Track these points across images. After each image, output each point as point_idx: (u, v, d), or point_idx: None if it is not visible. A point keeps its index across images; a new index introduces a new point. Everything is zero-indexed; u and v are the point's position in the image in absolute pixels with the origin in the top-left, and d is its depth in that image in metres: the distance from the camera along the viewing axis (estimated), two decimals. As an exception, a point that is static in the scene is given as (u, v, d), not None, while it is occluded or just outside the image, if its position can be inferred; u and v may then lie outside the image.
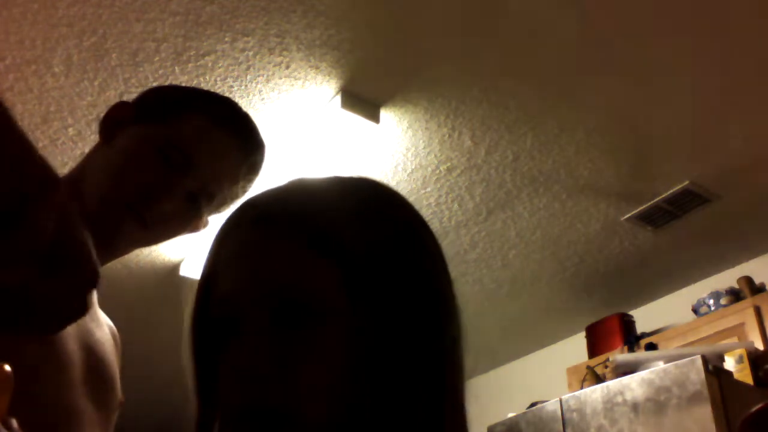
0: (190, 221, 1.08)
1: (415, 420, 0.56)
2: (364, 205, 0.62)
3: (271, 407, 0.55)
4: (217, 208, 1.11)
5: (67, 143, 2.69)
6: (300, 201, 0.61)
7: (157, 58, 2.37)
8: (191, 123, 1.05)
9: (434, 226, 3.52)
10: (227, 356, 0.58)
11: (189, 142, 1.03)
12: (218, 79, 2.46)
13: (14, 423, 0.55)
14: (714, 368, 2.65)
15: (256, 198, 0.62)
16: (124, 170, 1.02)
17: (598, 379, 3.23)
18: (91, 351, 1.02)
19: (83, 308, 0.55)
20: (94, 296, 1.10)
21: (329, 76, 2.46)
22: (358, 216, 0.60)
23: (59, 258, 0.49)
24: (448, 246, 3.39)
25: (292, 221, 0.58)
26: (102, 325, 1.09)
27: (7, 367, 0.54)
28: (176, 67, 2.41)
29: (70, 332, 0.98)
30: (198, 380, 0.62)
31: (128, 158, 1.03)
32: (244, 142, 1.08)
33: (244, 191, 1.11)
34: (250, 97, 2.53)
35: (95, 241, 1.01)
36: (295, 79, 2.47)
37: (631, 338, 3.60)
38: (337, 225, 0.59)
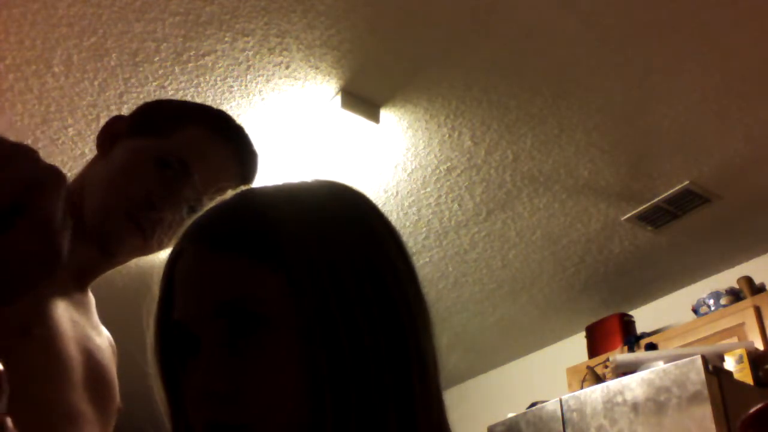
0: None
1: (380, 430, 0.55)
2: (314, 209, 0.61)
3: (230, 426, 0.55)
4: None
5: (67, 143, 2.69)
6: (240, 213, 0.60)
7: (157, 58, 2.37)
8: (188, 134, 1.06)
9: (434, 226, 3.54)
10: (188, 375, 0.57)
11: (186, 152, 1.04)
12: (218, 79, 2.46)
13: (9, 422, 0.55)
14: (714, 368, 2.65)
15: (199, 217, 0.62)
16: (122, 180, 1.03)
17: (598, 379, 3.23)
18: (91, 356, 1.02)
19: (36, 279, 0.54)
20: (93, 305, 1.11)
21: (329, 76, 2.46)
22: (305, 220, 0.59)
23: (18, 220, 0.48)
24: (448, 246, 3.39)
25: (233, 234, 0.58)
26: (101, 333, 1.10)
27: None
28: (176, 67, 2.41)
29: (71, 336, 0.99)
30: (168, 404, 0.61)
31: (126, 168, 1.04)
32: (239, 153, 1.09)
33: None
34: (250, 97, 2.53)
35: (96, 253, 1.02)
36: (295, 79, 2.47)
37: (631, 338, 3.60)
38: (280, 231, 0.58)
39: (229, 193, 0.63)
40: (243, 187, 0.64)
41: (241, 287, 0.56)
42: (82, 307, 1.06)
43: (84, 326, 1.04)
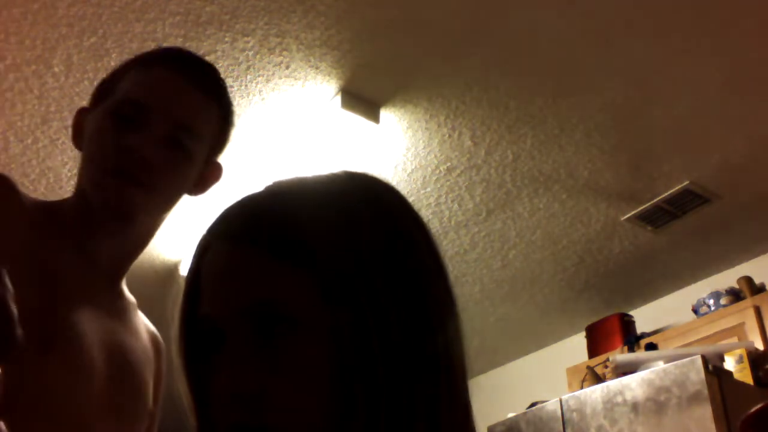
0: (188, 165, 1.06)
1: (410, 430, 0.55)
2: (343, 208, 0.60)
3: (257, 428, 0.54)
4: (215, 146, 1.11)
5: (67, 143, 2.69)
6: (271, 211, 0.59)
7: (157, 58, 2.37)
8: (129, 79, 1.06)
9: (434, 226, 3.53)
10: (214, 373, 0.57)
11: (133, 91, 1.04)
12: (218, 79, 2.46)
13: (1, 425, 0.55)
14: (714, 368, 2.65)
15: (229, 210, 0.61)
16: (94, 149, 1.04)
17: (598, 379, 3.23)
18: (118, 360, 1.02)
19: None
20: (130, 306, 1.11)
21: (329, 76, 2.46)
22: (334, 221, 0.58)
23: None
24: (448, 246, 3.39)
25: (264, 234, 0.57)
26: (137, 333, 1.10)
27: None
28: (176, 67, 2.41)
29: (97, 345, 0.98)
30: (193, 399, 0.61)
31: (92, 137, 1.05)
32: (183, 67, 1.08)
33: (225, 115, 1.11)
34: (250, 97, 2.53)
35: (116, 228, 1.03)
36: (295, 79, 2.47)
37: (631, 338, 3.60)
38: (311, 233, 0.57)
39: (260, 189, 0.62)
40: (273, 182, 0.63)
41: (270, 288, 0.56)
42: (115, 310, 1.06)
43: (115, 331, 1.04)
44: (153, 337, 1.15)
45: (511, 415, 3.32)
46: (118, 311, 1.07)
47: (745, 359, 2.86)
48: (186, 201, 1.12)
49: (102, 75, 2.61)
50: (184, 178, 1.07)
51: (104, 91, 1.08)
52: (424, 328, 0.58)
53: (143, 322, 1.15)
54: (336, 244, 0.57)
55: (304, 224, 0.57)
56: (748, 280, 3.30)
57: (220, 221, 0.61)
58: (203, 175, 1.11)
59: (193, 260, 0.61)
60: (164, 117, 1.02)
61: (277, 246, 0.56)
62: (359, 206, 0.61)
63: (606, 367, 3.20)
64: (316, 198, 0.61)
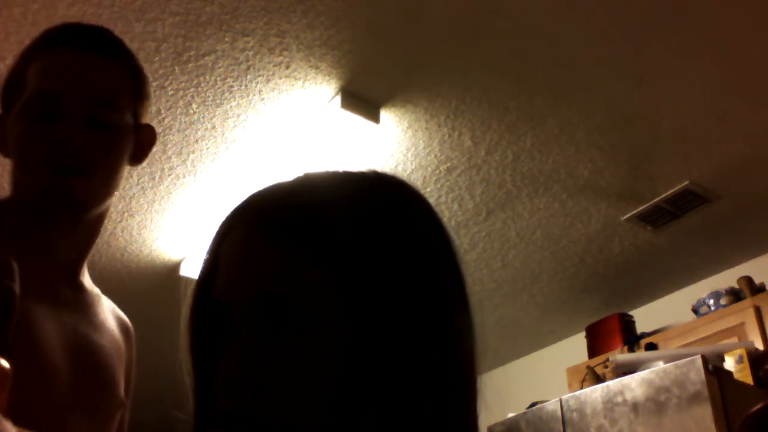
0: (119, 139, 1.06)
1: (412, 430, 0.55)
2: (369, 210, 0.60)
3: (258, 416, 0.54)
4: (138, 108, 1.10)
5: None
6: (297, 203, 0.59)
7: (157, 58, 2.37)
8: (28, 74, 1.04)
9: (434, 226, 3.49)
10: (221, 359, 0.57)
11: (40, 84, 1.02)
12: (218, 79, 2.46)
13: (9, 426, 0.55)
14: (714, 368, 2.65)
15: (255, 196, 0.61)
16: (25, 152, 1.03)
17: (598, 379, 3.23)
18: (84, 358, 1.01)
19: None
20: (93, 299, 1.10)
21: (329, 76, 2.46)
22: (359, 223, 0.59)
23: None
24: (448, 246, 3.40)
25: (287, 225, 0.57)
26: (102, 325, 1.08)
27: (5, 363, 0.53)
28: (176, 67, 2.41)
29: (57, 343, 0.97)
30: (195, 379, 0.61)
31: (18, 142, 1.03)
32: (81, 41, 1.06)
33: (134, 73, 1.10)
34: (250, 97, 2.53)
35: (69, 222, 1.01)
36: (295, 79, 2.47)
37: (631, 338, 3.60)
38: (333, 232, 0.57)
39: (291, 178, 0.62)
40: (304, 173, 0.63)
41: (287, 281, 0.56)
42: (75, 305, 1.05)
43: (77, 326, 1.03)
44: (122, 324, 1.14)
45: (511, 415, 3.32)
46: (81, 306, 1.06)
47: (745, 359, 2.86)
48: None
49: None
50: (119, 152, 1.06)
51: (11, 91, 1.06)
52: (439, 338, 0.59)
53: (110, 310, 1.14)
54: (358, 245, 0.57)
55: (328, 222, 0.58)
56: (748, 280, 3.30)
57: (246, 205, 0.61)
58: (138, 142, 1.11)
59: (213, 240, 0.61)
60: (80, 99, 1.01)
61: (298, 240, 0.57)
62: (385, 210, 0.61)
63: (606, 367, 3.20)
64: (343, 197, 0.61)
